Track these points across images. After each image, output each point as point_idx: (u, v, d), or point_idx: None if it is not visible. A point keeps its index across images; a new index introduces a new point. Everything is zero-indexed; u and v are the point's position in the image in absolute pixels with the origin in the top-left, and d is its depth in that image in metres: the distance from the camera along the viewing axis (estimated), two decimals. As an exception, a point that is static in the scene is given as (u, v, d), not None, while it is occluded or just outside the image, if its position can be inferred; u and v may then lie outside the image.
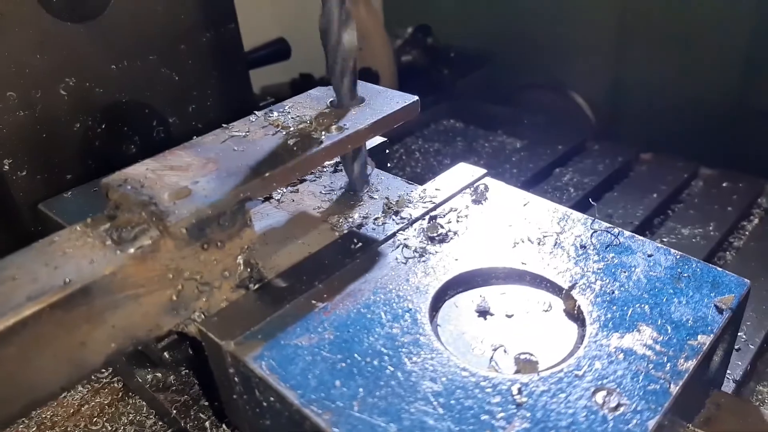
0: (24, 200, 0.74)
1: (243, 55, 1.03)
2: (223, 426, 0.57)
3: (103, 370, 0.69)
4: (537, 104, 1.62)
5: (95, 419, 0.65)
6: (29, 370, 0.37)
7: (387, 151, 0.68)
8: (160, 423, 0.63)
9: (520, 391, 0.38)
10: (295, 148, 0.47)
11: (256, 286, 0.47)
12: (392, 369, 0.40)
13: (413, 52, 1.73)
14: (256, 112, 0.52)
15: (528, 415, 0.37)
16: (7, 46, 0.69)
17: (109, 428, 0.65)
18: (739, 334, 0.75)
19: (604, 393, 0.38)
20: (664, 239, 0.92)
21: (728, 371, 0.69)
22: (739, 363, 0.70)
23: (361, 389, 0.39)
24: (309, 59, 1.79)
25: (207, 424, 0.58)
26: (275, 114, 0.52)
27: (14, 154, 0.75)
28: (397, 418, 0.37)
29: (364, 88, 0.55)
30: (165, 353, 0.55)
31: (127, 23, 0.78)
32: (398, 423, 0.37)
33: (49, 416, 0.65)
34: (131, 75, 0.82)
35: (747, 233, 0.95)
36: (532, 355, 0.41)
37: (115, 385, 0.68)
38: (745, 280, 0.46)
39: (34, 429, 0.64)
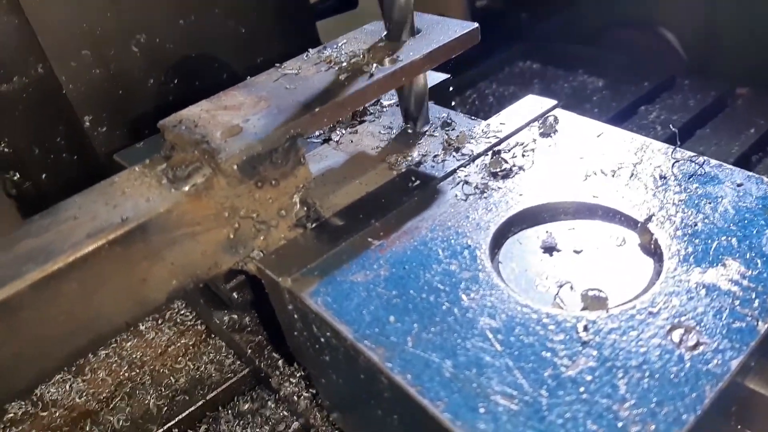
0: (104, 154, 0.77)
1: (308, 5, 1.02)
2: (295, 364, 0.58)
3: (188, 314, 0.72)
4: (623, 44, 1.51)
5: (180, 359, 0.68)
6: (92, 305, 0.39)
7: (451, 88, 0.65)
8: (238, 362, 0.65)
9: (586, 329, 0.36)
10: (346, 83, 0.45)
11: (314, 225, 0.46)
12: (448, 305, 0.38)
13: (488, -4, 1.66)
14: (309, 50, 0.51)
15: (594, 353, 0.34)
16: (80, 6, 0.71)
17: (192, 367, 0.67)
18: None
19: (681, 331, 0.35)
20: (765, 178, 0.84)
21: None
22: None
23: (415, 325, 0.38)
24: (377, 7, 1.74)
25: (280, 363, 0.59)
26: (328, 50, 0.50)
27: (93, 110, 0.78)
28: (452, 353, 0.36)
29: (420, 18, 0.52)
30: (234, 293, 0.56)
31: None
32: (453, 359, 0.35)
33: (138, 356, 0.69)
34: (199, 29, 0.83)
35: None
36: (601, 291, 0.38)
37: (199, 327, 0.70)
38: None
39: (125, 368, 0.67)
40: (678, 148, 0.48)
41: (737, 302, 0.36)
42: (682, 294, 0.37)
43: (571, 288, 0.39)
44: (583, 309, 0.38)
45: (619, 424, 0.31)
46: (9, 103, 0.76)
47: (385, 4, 0.50)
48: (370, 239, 0.44)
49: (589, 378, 0.33)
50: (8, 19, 0.71)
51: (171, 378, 0.66)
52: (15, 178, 0.82)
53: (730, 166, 0.46)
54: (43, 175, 0.80)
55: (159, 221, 0.39)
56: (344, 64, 0.48)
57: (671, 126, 0.94)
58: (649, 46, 1.49)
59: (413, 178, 0.49)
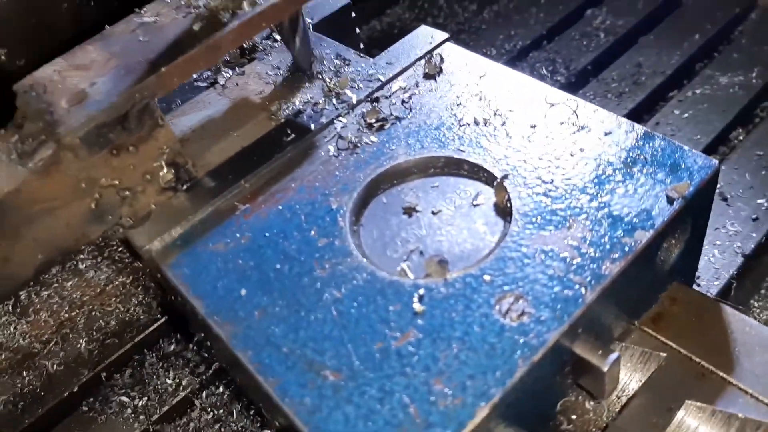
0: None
1: None
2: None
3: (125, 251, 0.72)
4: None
5: (112, 299, 0.70)
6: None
7: (353, 14, 0.62)
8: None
9: (420, 299, 0.37)
10: (199, 34, 0.43)
11: (185, 186, 0.46)
12: (299, 276, 0.39)
13: None
14: (172, -9, 0.48)
15: (422, 323, 0.35)
16: None
17: (122, 309, 0.68)
18: (760, 201, 0.68)
19: (510, 300, 0.36)
20: (696, 91, 0.81)
21: (738, 243, 0.64)
22: (753, 235, 0.65)
23: (265, 298, 0.38)
24: None
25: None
26: (191, -6, 0.47)
27: (8, 43, 0.74)
28: (294, 328, 0.37)
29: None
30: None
31: None
32: (294, 333, 0.37)
33: (78, 296, 0.70)
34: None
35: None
36: (444, 257, 0.39)
37: (137, 264, 0.72)
38: (713, 160, 0.40)
39: (66, 308, 0.69)
40: (555, 90, 0.46)
41: (571, 269, 0.36)
42: (518, 260, 0.37)
43: (421, 253, 0.40)
44: (427, 276, 0.38)
45: (432, 398, 0.32)
46: None
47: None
48: (236, 203, 0.44)
49: (413, 350, 0.34)
50: None
51: (102, 321, 0.68)
52: None
53: (604, 111, 0.44)
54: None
55: (8, 201, 0.39)
56: (202, 9, 0.45)
57: (619, 42, 0.89)
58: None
59: (289, 131, 0.48)
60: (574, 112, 0.45)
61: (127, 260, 0.73)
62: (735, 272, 0.62)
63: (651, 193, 0.39)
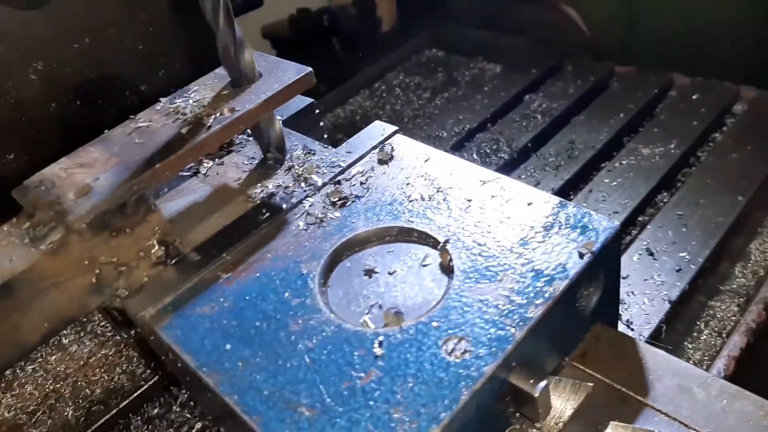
0: (13, 178, 0.81)
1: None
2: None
3: (107, 325, 0.77)
4: (529, 22, 1.58)
5: (97, 370, 0.75)
6: (-29, 353, 0.45)
7: (317, 111, 0.71)
8: (148, 371, 0.71)
9: (380, 344, 0.44)
10: (186, 136, 0.51)
11: (173, 261, 0.53)
12: (276, 331, 0.46)
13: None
14: (161, 99, 0.57)
15: (382, 364, 0.42)
16: None
17: (107, 378, 0.73)
18: (682, 254, 0.77)
19: (455, 341, 0.43)
20: (623, 162, 0.93)
21: (665, 292, 0.73)
22: (678, 284, 0.73)
23: (247, 351, 0.45)
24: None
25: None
26: (179, 100, 0.56)
27: (-1, 140, 0.81)
28: (273, 374, 0.43)
29: (262, 61, 0.58)
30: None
31: (79, 2, 0.82)
32: (274, 378, 0.43)
33: (62, 369, 0.75)
34: (94, 51, 0.86)
35: (713, 146, 0.95)
36: (399, 309, 0.46)
37: (118, 337, 0.76)
38: (614, 222, 0.49)
39: (50, 381, 0.73)
40: (487, 171, 0.56)
41: (503, 313, 0.44)
42: (460, 309, 0.45)
43: (380, 307, 0.47)
44: (385, 325, 0.46)
45: (392, 425, 0.39)
46: None
47: (224, 57, 0.55)
48: (219, 273, 0.51)
49: (375, 387, 0.41)
50: None
51: (88, 390, 0.72)
52: None
53: (524, 186, 0.53)
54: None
55: (23, 278, 0.46)
56: (189, 115, 0.54)
57: (554, 123, 1.01)
58: (552, 24, 1.56)
59: (264, 211, 0.56)
60: (502, 187, 0.54)
61: (109, 333, 0.78)
62: (664, 317, 0.71)
63: (565, 250, 0.48)
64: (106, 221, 0.48)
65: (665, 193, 0.90)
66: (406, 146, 0.61)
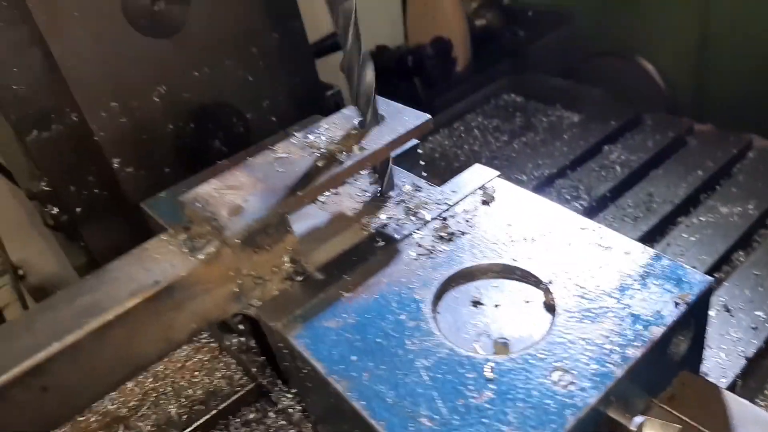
0: (130, 190, 0.90)
1: (308, 48, 1.15)
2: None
3: (203, 333, 0.85)
4: (605, 74, 1.62)
5: (196, 373, 0.82)
6: (132, 345, 0.52)
7: (419, 151, 0.78)
8: (245, 377, 0.78)
9: (492, 369, 0.49)
10: (323, 169, 0.58)
11: (300, 278, 0.60)
12: (395, 348, 0.52)
13: (488, 15, 1.75)
14: (296, 134, 0.64)
15: (494, 387, 0.48)
16: (108, 65, 0.84)
17: (207, 381, 0.80)
18: (758, 313, 0.80)
19: (560, 373, 0.48)
20: (701, 218, 0.96)
21: (741, 348, 0.76)
22: (754, 341, 0.76)
23: (370, 363, 0.51)
24: (376, 34, 1.87)
25: (279, 380, 0.72)
26: (311, 136, 0.63)
27: (121, 154, 0.91)
28: (395, 386, 0.49)
29: (386, 106, 0.65)
30: (239, 324, 0.70)
31: (204, 34, 0.92)
32: (395, 390, 0.49)
33: (162, 369, 0.83)
34: (212, 79, 0.96)
35: (792, 209, 0.97)
36: (507, 339, 0.51)
37: (212, 344, 0.84)
38: (709, 277, 0.53)
39: (150, 379, 0.81)
40: (586, 219, 0.61)
41: (604, 352, 0.49)
42: (566, 344, 0.50)
43: (488, 336, 0.53)
44: (494, 353, 0.51)
45: (504, 441, 0.44)
46: (49, 147, 0.89)
47: (353, 99, 0.63)
48: (341, 291, 0.58)
49: (489, 406, 0.46)
50: (47, 76, 0.84)
51: (190, 390, 0.79)
52: (53, 212, 0.96)
53: (621, 236, 0.58)
54: (78, 209, 0.94)
55: (182, 282, 0.53)
56: (323, 150, 0.61)
57: (633, 175, 1.05)
58: (631, 78, 1.60)
59: (378, 239, 0.63)
60: (601, 236, 0.59)
61: (204, 340, 0.85)
62: (739, 372, 0.73)
63: (661, 299, 0.52)
64: (252, 238, 0.55)
65: (741, 252, 0.92)
66: (506, 189, 0.66)
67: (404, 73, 1.61)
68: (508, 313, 0.55)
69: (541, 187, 1.09)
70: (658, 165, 1.10)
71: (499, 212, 0.64)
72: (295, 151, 0.62)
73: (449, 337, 0.53)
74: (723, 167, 1.06)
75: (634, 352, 0.49)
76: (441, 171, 1.18)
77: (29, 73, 0.83)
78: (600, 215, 1.00)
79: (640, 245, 0.57)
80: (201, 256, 0.54)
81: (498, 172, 0.68)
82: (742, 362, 0.74)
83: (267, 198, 0.57)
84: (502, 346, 0.51)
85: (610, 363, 0.48)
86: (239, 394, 0.76)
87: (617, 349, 0.49)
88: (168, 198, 0.83)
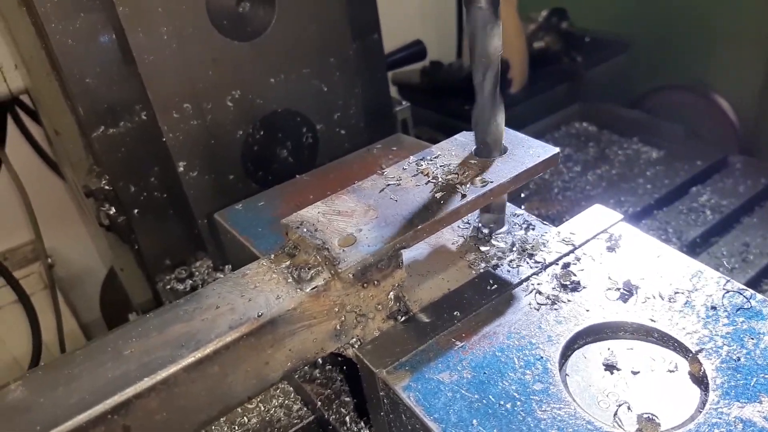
0: (194, 195, 0.86)
1: (384, 62, 1.10)
2: (362, 422, 0.65)
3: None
4: (674, 107, 1.56)
5: (252, 399, 0.76)
6: (226, 383, 0.47)
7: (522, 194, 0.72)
8: (305, 409, 0.72)
9: (640, 451, 0.42)
10: (441, 202, 0.53)
11: (403, 318, 0.54)
12: (524, 415, 0.45)
13: (546, 38, 1.71)
14: (408, 159, 0.58)
15: (646, 474, 0.41)
16: (185, 64, 0.80)
17: (263, 409, 0.75)
18: None
19: (721, 462, 0.41)
20: (805, 275, 0.89)
21: None
22: None
23: (495, 430, 0.45)
24: (438, 47, 1.82)
25: (347, 418, 0.66)
26: (425, 163, 0.58)
27: (187, 157, 0.87)
28: (526, 461, 0.43)
29: (507, 134, 0.60)
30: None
31: (284, 41, 0.87)
32: (527, 465, 0.43)
33: None
34: (287, 87, 0.92)
35: None
36: (654, 415, 0.45)
37: None
38: None
39: None
40: (730, 280, 0.54)
41: (771, 440, 0.42)
42: (723, 426, 0.43)
43: (629, 408, 0.46)
44: (638, 430, 0.44)
45: None
46: (114, 145, 0.85)
47: (478, 125, 0.57)
48: (453, 339, 0.52)
49: (641, 498, 0.40)
50: (122, 69, 0.80)
51: (244, 418, 0.73)
52: (111, 212, 0.92)
53: (774, 302, 0.52)
54: (135, 210, 0.90)
55: (286, 316, 0.48)
56: (440, 179, 0.55)
57: (725, 220, 0.99)
58: (702, 114, 1.53)
59: (491, 281, 0.56)
60: (748, 300, 0.52)
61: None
62: None
63: (831, 382, 0.46)
64: (363, 273, 0.49)
65: None
66: (633, 237, 0.60)
67: (459, 91, 1.57)
68: (650, 383, 0.48)
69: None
70: (748, 212, 1.04)
71: (627, 262, 0.57)
72: (407, 179, 0.57)
73: (584, 406, 0.46)
74: (822, 221, 0.99)
75: (806, 443, 0.42)
76: (510, 199, 1.12)
77: (103, 66, 0.79)
78: (691, 263, 0.93)
79: (796, 315, 0.51)
80: (308, 289, 0.48)
81: (622, 216, 0.61)
82: None
83: (382, 229, 0.51)
84: (648, 423, 0.44)
85: (779, 455, 0.41)
86: (297, 426, 0.70)
87: (785, 438, 0.42)
88: (244, 211, 0.78)
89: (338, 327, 0.51)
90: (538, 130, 1.38)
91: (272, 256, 0.52)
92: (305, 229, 0.52)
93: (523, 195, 1.18)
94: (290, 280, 0.50)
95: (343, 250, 0.49)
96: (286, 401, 0.75)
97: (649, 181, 1.12)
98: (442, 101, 1.54)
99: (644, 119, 1.34)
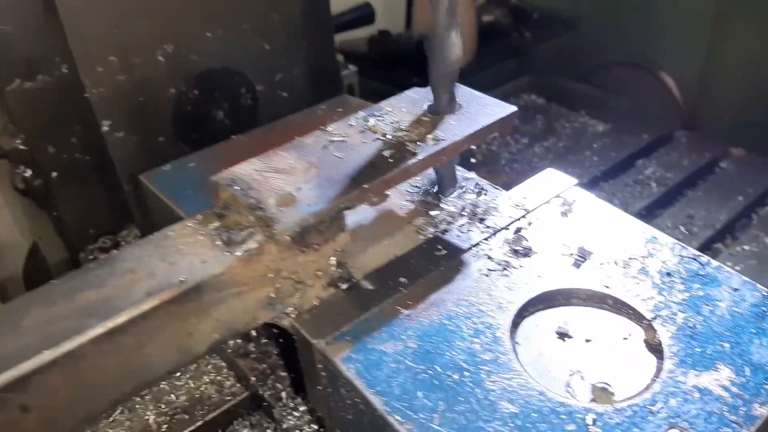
0: (119, 158, 0.79)
1: (331, 23, 1.04)
2: (299, 398, 0.61)
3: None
4: (620, 84, 1.56)
5: (181, 375, 0.70)
6: (142, 356, 0.42)
7: (474, 147, 0.68)
8: (238, 385, 0.67)
9: (594, 422, 0.40)
10: (391, 160, 0.48)
11: (346, 285, 0.50)
12: (472, 386, 0.42)
13: (496, 11, 1.68)
14: (355, 115, 0.54)
15: (601, 446, 0.39)
16: (113, 14, 0.73)
17: (192, 386, 0.69)
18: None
19: (676, 431, 0.39)
20: (746, 247, 0.89)
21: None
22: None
23: (441, 403, 0.41)
24: (386, 16, 1.77)
25: (283, 393, 0.62)
26: (373, 119, 0.53)
27: (113, 115, 0.79)
28: (474, 435, 0.40)
29: (461, 91, 0.56)
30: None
31: None
32: (475, 440, 0.39)
33: None
34: (225, 43, 0.85)
35: (839, 246, 0.91)
36: (608, 384, 0.43)
37: None
38: (834, 324, 0.46)
39: None
40: (684, 246, 0.52)
41: (726, 408, 0.41)
42: (679, 395, 0.41)
43: (581, 377, 0.44)
44: (592, 400, 0.42)
45: None
46: (30, 101, 0.77)
47: (432, 77, 0.53)
48: (398, 307, 0.48)
49: (595, 471, 0.37)
50: (40, 19, 0.72)
51: (171, 395, 0.67)
52: (26, 174, 0.84)
53: (729, 269, 0.50)
54: (54, 174, 0.82)
55: (213, 282, 0.43)
56: (389, 136, 0.51)
57: (669, 193, 0.99)
58: (647, 90, 1.54)
59: (439, 247, 0.53)
60: (704, 266, 0.51)
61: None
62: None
63: (784, 347, 0.44)
64: (302, 236, 0.45)
65: (784, 287, 0.86)
66: (587, 202, 0.58)
67: (408, 62, 1.52)
68: (604, 351, 0.46)
69: (572, 197, 1.01)
70: (693, 185, 1.04)
71: (580, 227, 0.55)
72: (353, 136, 0.52)
73: (535, 376, 0.44)
74: (762, 194, 1.00)
75: (761, 410, 0.40)
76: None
77: (20, 14, 0.71)
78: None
79: (748, 281, 0.49)
80: (239, 252, 0.43)
81: (576, 180, 0.59)
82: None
83: (324, 188, 0.46)
84: (602, 392, 0.42)
85: (734, 422, 0.40)
86: (230, 403, 0.65)
87: (740, 405, 0.41)
88: (173, 172, 0.72)
89: (273, 295, 0.47)
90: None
91: (200, 216, 0.47)
92: (238, 187, 0.47)
93: (473, 161, 1.16)
94: (218, 242, 0.44)
95: (281, 211, 0.44)
96: (218, 377, 0.69)
97: (595, 153, 1.11)
98: (390, 72, 1.49)
99: (592, 93, 1.33)
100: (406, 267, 0.51)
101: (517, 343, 0.47)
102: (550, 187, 0.59)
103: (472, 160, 1.13)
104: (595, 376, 0.44)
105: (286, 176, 0.47)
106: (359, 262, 0.52)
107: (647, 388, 0.42)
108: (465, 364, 0.44)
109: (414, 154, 0.49)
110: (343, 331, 0.46)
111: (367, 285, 0.50)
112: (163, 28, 0.78)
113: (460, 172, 0.61)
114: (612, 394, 0.42)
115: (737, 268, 0.86)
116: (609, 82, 1.56)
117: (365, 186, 0.46)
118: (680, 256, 0.51)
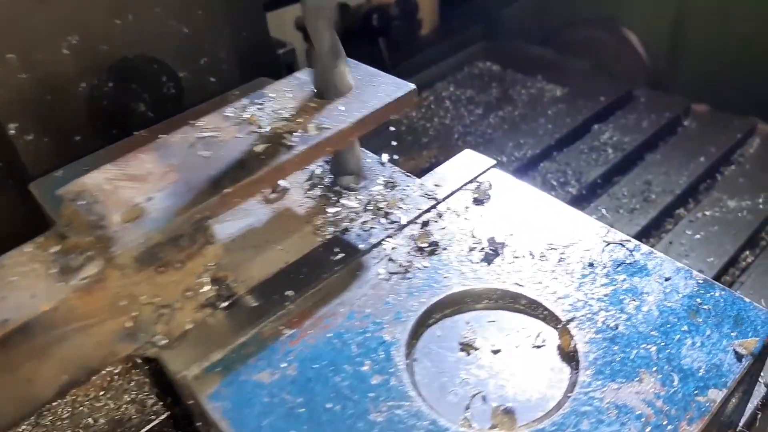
0: (32, 163, 0.72)
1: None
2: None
3: None
4: (585, 44, 1.49)
5: (101, 395, 0.65)
6: (-30, 410, 0.35)
7: (392, 128, 0.62)
8: (161, 404, 0.62)
9: (492, 455, 0.34)
10: (263, 156, 0.42)
11: (226, 303, 0.44)
12: (353, 420, 0.36)
13: (459, -26, 1.61)
14: (233, 105, 0.47)
15: (497, 486, 0.33)
16: (5, 3, 0.65)
17: (113, 406, 0.64)
18: None
19: (588, 462, 0.34)
20: (707, 212, 0.83)
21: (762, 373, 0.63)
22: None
23: (316, 443, 0.36)
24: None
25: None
26: (252, 108, 0.46)
27: (19, 118, 0.72)
28: (352, 480, 0.34)
29: (356, 70, 0.49)
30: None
31: None
32: (353, 487, 0.34)
33: None
34: (137, 29, 0.78)
35: (806, 207, 0.86)
36: (512, 406, 0.37)
37: None
38: (778, 316, 0.40)
39: None
40: (610, 229, 0.46)
41: (648, 428, 0.35)
42: (592, 415, 0.36)
43: (484, 399, 0.38)
44: (492, 427, 0.36)
45: None
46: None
47: (314, 56, 0.46)
48: (281, 327, 0.42)
49: None
50: None
51: (90, 418, 0.62)
52: None
53: (661, 255, 0.44)
54: (-41, 184, 0.75)
55: (44, 319, 0.36)
56: (264, 128, 0.44)
57: (627, 158, 0.92)
58: (611, 49, 1.47)
59: (336, 250, 0.47)
60: (632, 253, 0.44)
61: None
62: (759, 403, 0.61)
63: (718, 347, 0.38)
64: (154, 254, 0.38)
65: (749, 253, 0.81)
66: (506, 185, 0.51)
67: (367, 34, 1.45)
68: (512, 364, 0.40)
69: (524, 170, 0.95)
70: (653, 148, 0.98)
71: (495, 215, 0.48)
72: (226, 129, 0.45)
73: (430, 401, 0.38)
74: (726, 154, 0.94)
75: (689, 428, 0.35)
76: (407, 147, 1.02)
77: None
78: (591, 205, 0.86)
79: (683, 267, 0.43)
80: (75, 282, 0.36)
81: (494, 161, 0.52)
82: (763, 391, 0.62)
83: (178, 196, 0.40)
84: (504, 416, 0.36)
85: (658, 447, 0.34)
86: (152, 424, 0.59)
87: (666, 424, 0.35)
88: (64, 178, 0.65)
89: (130, 324, 0.40)
90: (441, 72, 1.28)
91: (40, 239, 0.41)
92: (82, 202, 0.40)
93: (425, 140, 1.09)
94: (53, 270, 0.38)
95: (123, 228, 0.38)
96: (140, 395, 0.64)
97: (550, 120, 1.04)
98: (351, 47, 1.42)
99: (549, 56, 1.26)
100: (296, 277, 0.45)
101: (415, 359, 0.41)
102: (467, 170, 0.52)
103: (424, 140, 1.07)
104: (500, 397, 0.38)
105: (139, 184, 0.41)
106: (246, 274, 0.46)
107: (557, 407, 0.36)
108: (350, 392, 0.38)
109: (290, 148, 0.42)
110: (214, 362, 0.40)
111: (251, 301, 0.44)
112: (65, 17, 0.71)
113: (367, 157, 0.55)
114: (515, 417, 0.36)
115: (697, 236, 0.81)
116: (572, 44, 1.50)
117: (227, 191, 0.39)
118: (605, 241, 0.45)
